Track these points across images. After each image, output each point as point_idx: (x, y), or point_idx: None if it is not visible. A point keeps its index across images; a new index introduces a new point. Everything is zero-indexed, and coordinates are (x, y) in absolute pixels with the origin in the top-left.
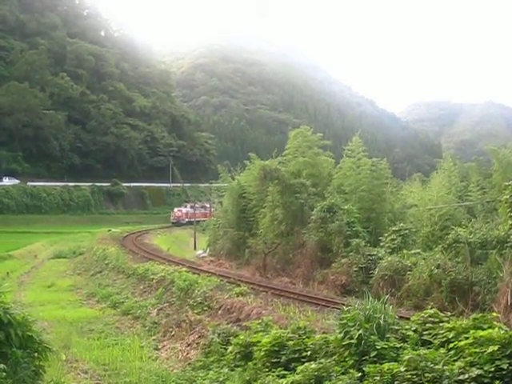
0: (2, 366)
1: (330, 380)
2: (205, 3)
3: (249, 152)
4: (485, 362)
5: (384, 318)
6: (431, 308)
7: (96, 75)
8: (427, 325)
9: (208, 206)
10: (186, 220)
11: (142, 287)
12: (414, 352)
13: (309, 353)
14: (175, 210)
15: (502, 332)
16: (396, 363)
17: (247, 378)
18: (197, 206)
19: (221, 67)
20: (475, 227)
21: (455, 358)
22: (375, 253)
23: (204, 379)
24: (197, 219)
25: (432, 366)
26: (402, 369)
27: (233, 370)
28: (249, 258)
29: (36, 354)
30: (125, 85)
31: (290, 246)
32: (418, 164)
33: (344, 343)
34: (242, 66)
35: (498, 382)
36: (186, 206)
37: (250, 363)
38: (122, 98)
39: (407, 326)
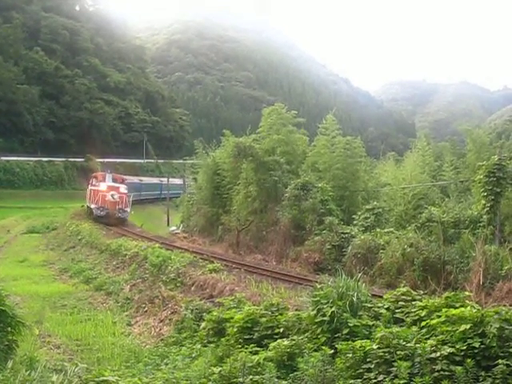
0: None
1: (302, 357)
2: None
3: (223, 129)
4: (457, 341)
5: (357, 295)
6: (404, 286)
7: (70, 50)
8: (400, 303)
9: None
10: (128, 210)
11: (114, 263)
12: (387, 330)
13: (281, 329)
14: (102, 186)
15: (474, 311)
16: (368, 341)
17: (220, 354)
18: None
19: (196, 43)
20: (448, 207)
21: (427, 336)
22: (348, 231)
23: (177, 355)
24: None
25: (404, 343)
26: (375, 346)
27: (205, 346)
28: (222, 235)
29: (9, 329)
30: (99, 60)
31: (264, 224)
32: (392, 143)
33: (317, 320)
34: (217, 42)
35: (469, 360)
36: (105, 179)
37: (222, 339)
38: (96, 73)
39: (380, 304)
